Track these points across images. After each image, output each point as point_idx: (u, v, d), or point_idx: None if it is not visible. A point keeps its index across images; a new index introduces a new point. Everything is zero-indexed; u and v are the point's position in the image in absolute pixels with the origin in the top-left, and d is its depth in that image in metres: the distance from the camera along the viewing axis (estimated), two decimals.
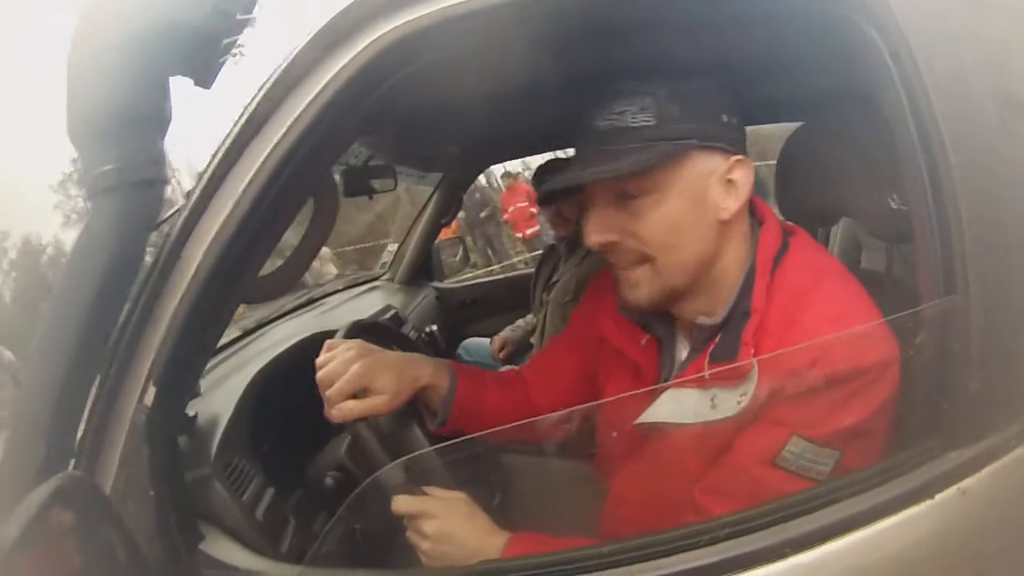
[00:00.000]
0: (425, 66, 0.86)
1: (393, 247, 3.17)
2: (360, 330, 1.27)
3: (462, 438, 0.95)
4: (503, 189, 10.72)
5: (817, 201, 1.14)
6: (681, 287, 0.96)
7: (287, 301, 2.36)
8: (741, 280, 0.96)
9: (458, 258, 3.31)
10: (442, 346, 2.68)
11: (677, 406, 0.93)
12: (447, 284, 3.20)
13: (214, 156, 0.85)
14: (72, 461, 0.81)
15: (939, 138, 0.75)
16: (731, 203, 0.94)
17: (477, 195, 10.50)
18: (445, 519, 0.93)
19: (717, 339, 0.94)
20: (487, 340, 2.92)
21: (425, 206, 2.95)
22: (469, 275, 4.05)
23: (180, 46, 0.80)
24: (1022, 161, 0.77)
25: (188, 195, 0.87)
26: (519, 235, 10.25)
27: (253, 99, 0.84)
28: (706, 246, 0.95)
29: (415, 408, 1.15)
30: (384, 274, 3.04)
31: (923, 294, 0.79)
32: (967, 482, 0.76)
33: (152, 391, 0.82)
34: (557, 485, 1.25)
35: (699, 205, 0.93)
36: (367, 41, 0.80)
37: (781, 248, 0.97)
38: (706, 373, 0.90)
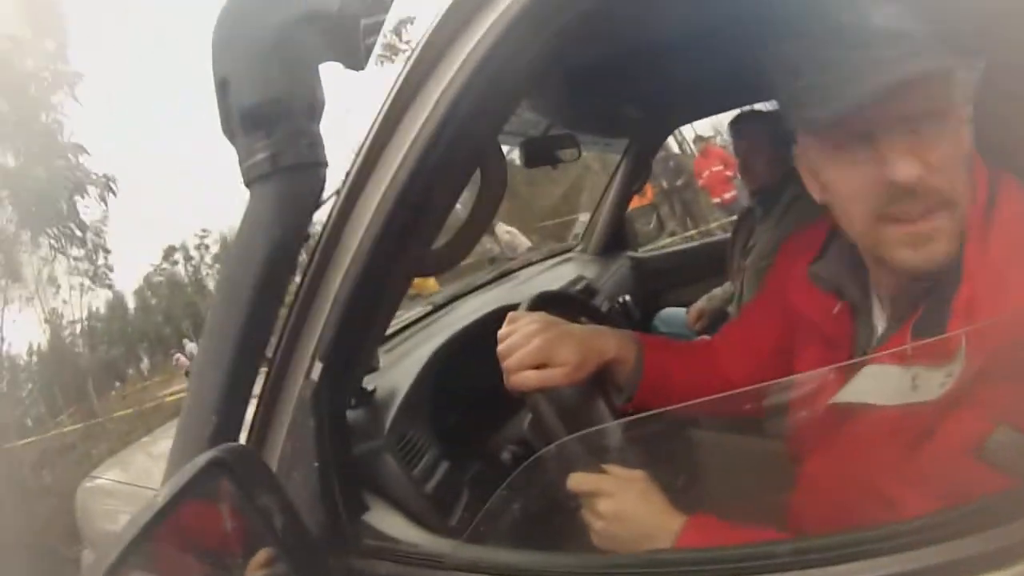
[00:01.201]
0: (590, 12, 0.80)
1: (585, 218, 3.15)
2: (544, 302, 1.25)
3: (645, 413, 0.91)
4: (696, 154, 10.43)
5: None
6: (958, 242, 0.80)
7: (480, 276, 2.42)
8: None
9: (652, 226, 3.24)
10: (636, 317, 2.63)
11: (876, 385, 0.81)
12: (641, 253, 3.13)
13: (370, 131, 0.86)
14: (244, 434, 0.86)
15: None
16: (971, 138, 0.79)
17: (671, 163, 10.33)
18: (620, 498, 0.90)
19: (922, 308, 0.82)
20: (683, 310, 2.81)
21: (614, 174, 2.91)
22: (665, 243, 3.95)
23: (322, 32, 0.81)
24: None
25: (347, 174, 0.88)
26: (716, 200, 10.00)
27: (405, 66, 0.83)
28: None
29: (602, 383, 1.12)
30: (577, 245, 3.04)
31: None
32: None
33: (319, 367, 0.85)
34: (746, 466, 1.18)
35: (970, 138, 0.80)
36: None
37: (989, 200, 0.81)
38: (909, 347, 0.78)
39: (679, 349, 1.23)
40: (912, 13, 0.74)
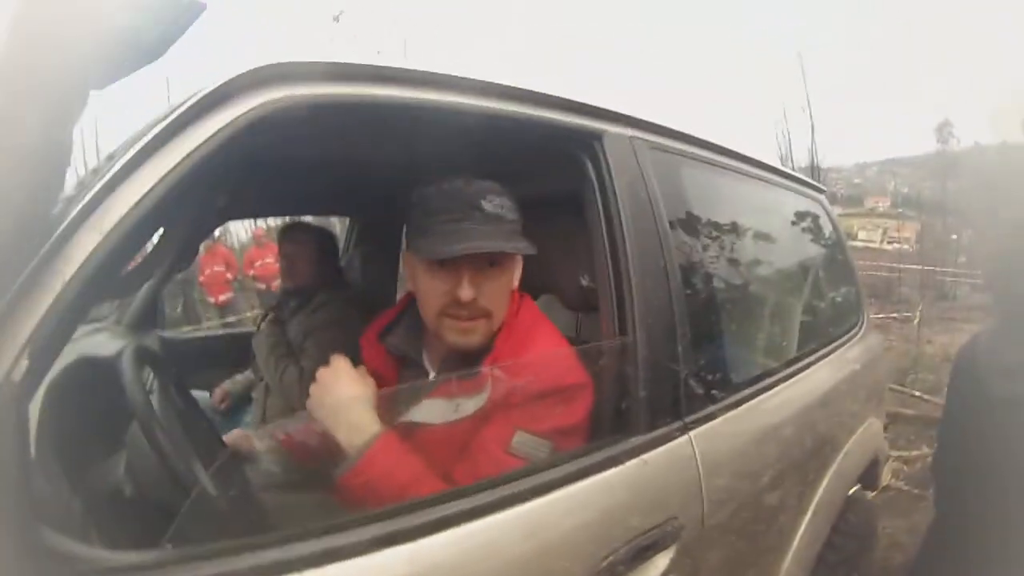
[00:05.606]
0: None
1: None
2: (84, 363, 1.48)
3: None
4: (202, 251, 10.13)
5: (533, 277, 1.50)
6: (493, 334, 1.32)
7: None
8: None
9: (179, 311, 3.24)
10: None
11: (430, 411, 1.26)
12: (170, 334, 3.15)
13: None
14: None
15: (623, 238, 1.32)
16: (516, 281, 1.39)
17: None
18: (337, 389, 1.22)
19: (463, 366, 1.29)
20: (206, 394, 2.89)
21: None
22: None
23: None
24: (680, 249, 1.41)
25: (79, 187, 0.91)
26: (211, 300, 9.73)
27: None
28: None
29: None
30: (110, 316, 2.89)
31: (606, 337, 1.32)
32: (648, 455, 1.23)
33: (23, 365, 0.77)
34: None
35: (514, 280, 1.37)
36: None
37: (516, 310, 1.38)
38: (454, 384, 1.27)
39: None
40: (507, 206, 1.27)
